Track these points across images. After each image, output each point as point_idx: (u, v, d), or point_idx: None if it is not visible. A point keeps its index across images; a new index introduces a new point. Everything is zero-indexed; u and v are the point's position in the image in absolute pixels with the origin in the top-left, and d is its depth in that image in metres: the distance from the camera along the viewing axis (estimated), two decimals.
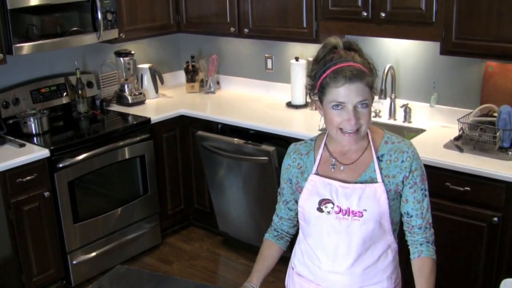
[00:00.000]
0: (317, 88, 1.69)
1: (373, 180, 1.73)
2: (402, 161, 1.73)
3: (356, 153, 1.77)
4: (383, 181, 1.73)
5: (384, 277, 1.81)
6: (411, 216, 1.78)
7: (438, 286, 3.00)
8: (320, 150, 1.80)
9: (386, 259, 1.81)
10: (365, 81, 1.64)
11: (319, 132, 1.89)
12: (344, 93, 1.63)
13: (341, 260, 1.78)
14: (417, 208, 1.77)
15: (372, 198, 1.72)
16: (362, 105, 1.65)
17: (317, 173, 1.79)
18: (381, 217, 1.74)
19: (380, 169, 1.74)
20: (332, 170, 1.77)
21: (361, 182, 1.73)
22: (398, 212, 1.80)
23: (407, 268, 1.86)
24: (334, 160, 1.78)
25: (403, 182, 1.75)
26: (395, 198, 1.77)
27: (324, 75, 1.66)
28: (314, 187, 1.78)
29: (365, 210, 1.72)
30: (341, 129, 1.68)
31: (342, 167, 1.77)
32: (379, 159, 1.74)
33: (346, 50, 1.69)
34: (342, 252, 1.77)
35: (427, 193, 1.78)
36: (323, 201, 1.76)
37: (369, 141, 1.76)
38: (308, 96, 1.76)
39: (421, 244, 1.79)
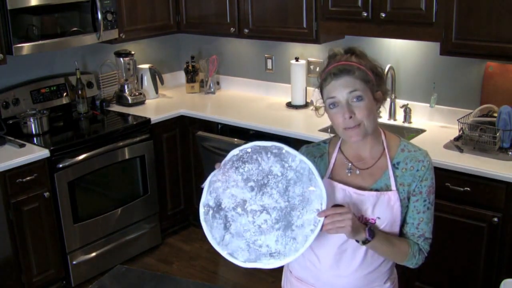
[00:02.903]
0: (321, 95, 1.72)
1: (388, 188, 1.72)
2: (417, 170, 1.71)
3: (372, 158, 1.75)
4: (397, 189, 1.71)
5: (384, 280, 1.82)
6: (407, 223, 1.75)
7: (439, 286, 3.02)
8: (335, 154, 1.79)
9: (388, 263, 1.81)
10: (355, 74, 1.64)
11: (332, 135, 1.87)
12: (332, 88, 1.66)
13: (346, 265, 1.76)
14: (414, 218, 1.74)
15: (386, 206, 1.71)
16: (357, 99, 1.64)
17: (331, 178, 1.77)
18: (393, 225, 1.73)
19: (395, 176, 1.72)
20: (349, 174, 1.75)
21: (376, 189, 1.72)
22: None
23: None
24: (350, 164, 1.76)
25: (414, 190, 1.73)
26: (407, 206, 1.75)
27: (321, 80, 1.71)
28: (327, 192, 1.75)
29: (379, 218, 1.71)
30: (345, 128, 1.67)
31: (357, 171, 1.75)
32: (395, 167, 1.73)
33: (344, 54, 1.71)
34: (349, 257, 1.75)
35: (430, 206, 1.74)
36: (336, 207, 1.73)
37: (384, 148, 1.75)
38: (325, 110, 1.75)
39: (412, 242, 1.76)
